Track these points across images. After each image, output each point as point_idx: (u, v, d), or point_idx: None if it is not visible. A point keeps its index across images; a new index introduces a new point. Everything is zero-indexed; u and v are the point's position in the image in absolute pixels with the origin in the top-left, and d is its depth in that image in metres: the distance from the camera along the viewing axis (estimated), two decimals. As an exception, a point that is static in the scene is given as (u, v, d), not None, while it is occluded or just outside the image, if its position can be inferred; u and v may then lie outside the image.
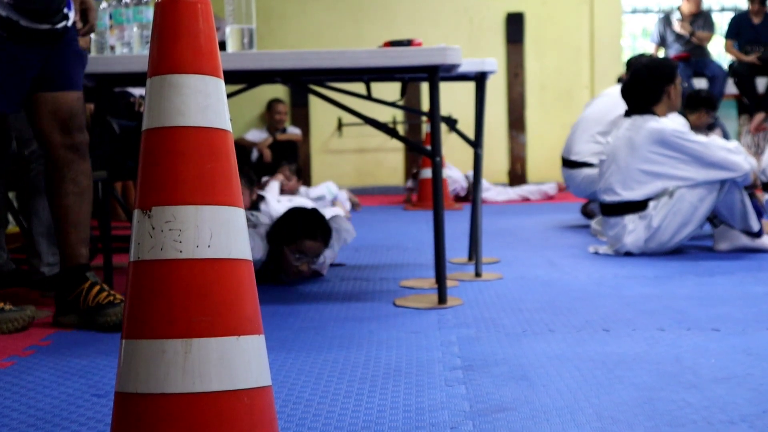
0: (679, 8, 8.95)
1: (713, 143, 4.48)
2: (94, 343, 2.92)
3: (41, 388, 2.41)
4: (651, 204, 4.52)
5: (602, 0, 9.62)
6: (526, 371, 2.45)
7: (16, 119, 3.77)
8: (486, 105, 4.22)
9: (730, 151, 4.47)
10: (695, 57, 8.81)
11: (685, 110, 5.81)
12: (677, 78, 4.68)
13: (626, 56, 10.02)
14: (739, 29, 8.86)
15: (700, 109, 6.01)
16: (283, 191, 6.18)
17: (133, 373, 1.55)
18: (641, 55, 6.06)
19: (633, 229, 4.52)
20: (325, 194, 6.55)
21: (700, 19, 8.86)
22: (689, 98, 6.50)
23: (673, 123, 4.62)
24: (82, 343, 2.92)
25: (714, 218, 4.63)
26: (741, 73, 8.82)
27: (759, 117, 8.21)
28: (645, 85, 4.64)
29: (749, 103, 8.84)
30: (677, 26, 8.76)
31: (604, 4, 9.63)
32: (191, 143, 1.58)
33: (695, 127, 5.84)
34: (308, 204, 5.28)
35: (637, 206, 4.54)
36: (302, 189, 6.65)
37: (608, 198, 4.63)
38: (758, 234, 4.55)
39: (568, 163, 5.92)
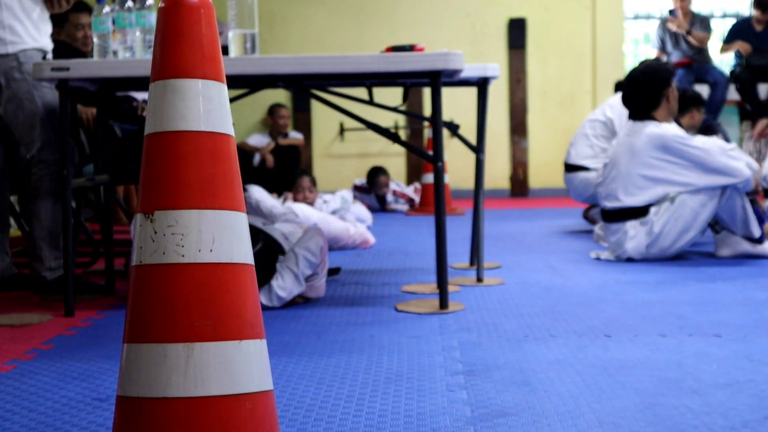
0: (672, 11, 8.94)
1: (714, 149, 4.48)
2: (95, 347, 2.92)
3: (42, 392, 2.41)
4: (652, 210, 4.52)
5: (604, 5, 9.62)
6: (528, 376, 2.45)
7: (17, 123, 3.77)
8: (488, 110, 4.22)
9: (732, 156, 4.47)
10: (696, 63, 8.80)
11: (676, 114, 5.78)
12: (673, 82, 4.70)
13: (628, 62, 10.03)
14: (740, 36, 8.84)
15: (690, 109, 5.99)
16: (304, 203, 6.07)
17: (134, 377, 1.55)
18: (645, 61, 6.07)
19: (634, 235, 4.52)
20: (340, 206, 6.49)
21: (697, 22, 8.85)
22: None
23: (675, 128, 4.63)
24: (84, 347, 2.92)
25: (715, 224, 4.63)
26: (743, 79, 8.81)
27: (762, 123, 8.20)
28: (643, 91, 4.66)
29: (751, 110, 8.83)
30: (672, 25, 8.74)
31: (606, 9, 9.63)
32: (194, 148, 1.58)
33: (690, 129, 5.84)
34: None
35: (638, 212, 4.54)
36: (318, 202, 6.52)
37: (609, 204, 4.63)
38: (759, 240, 4.55)
39: (568, 167, 5.95)
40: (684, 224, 4.47)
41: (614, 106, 5.87)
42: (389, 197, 8.11)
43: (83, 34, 4.96)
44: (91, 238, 4.82)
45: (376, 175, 8.10)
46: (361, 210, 6.68)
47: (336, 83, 3.87)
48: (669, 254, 4.54)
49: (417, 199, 8.09)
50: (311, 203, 6.13)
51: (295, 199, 6.13)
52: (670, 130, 4.56)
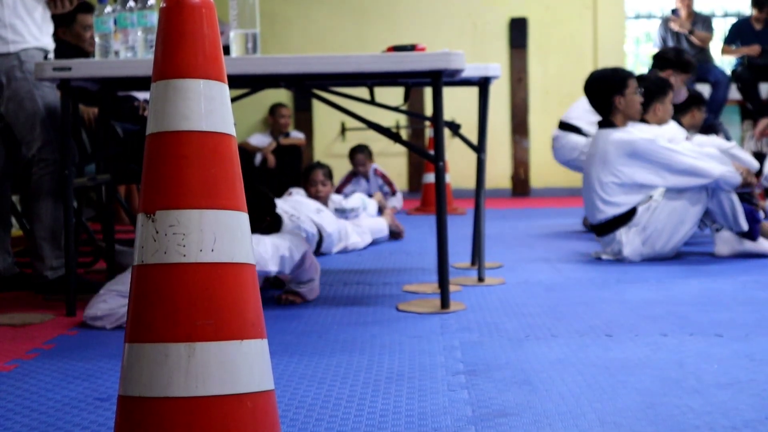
0: (674, 10, 8.94)
1: (682, 150, 4.47)
2: (97, 347, 2.92)
3: (44, 391, 2.41)
4: (639, 209, 4.51)
5: (606, 5, 9.62)
6: (529, 376, 2.45)
7: (18, 122, 3.78)
8: (489, 110, 4.22)
9: (696, 158, 4.44)
10: (698, 62, 8.79)
11: (677, 114, 5.77)
12: (628, 88, 4.64)
13: (630, 61, 10.02)
14: (740, 35, 8.84)
15: (691, 109, 5.98)
16: (317, 197, 6.02)
17: (136, 376, 1.55)
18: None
19: (627, 241, 4.51)
20: (359, 206, 6.46)
21: (699, 22, 8.85)
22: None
23: (641, 132, 4.59)
24: (86, 347, 2.92)
25: (713, 223, 4.62)
26: (744, 78, 8.80)
27: (763, 122, 8.19)
28: (597, 98, 4.67)
29: (753, 109, 8.82)
30: (675, 25, 8.73)
31: (607, 9, 9.62)
32: (195, 147, 1.58)
33: (691, 128, 5.83)
34: (330, 217, 5.22)
35: (625, 218, 4.53)
36: (334, 197, 6.46)
37: (595, 218, 4.61)
38: (750, 234, 4.51)
39: (562, 125, 5.95)
40: (678, 217, 4.47)
41: None
42: (372, 178, 8.04)
43: (91, 35, 4.96)
44: (92, 238, 4.82)
45: (355, 153, 8.07)
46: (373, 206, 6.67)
47: (337, 83, 3.87)
48: (667, 250, 4.53)
49: (395, 186, 8.12)
50: (324, 197, 6.09)
51: (308, 193, 6.08)
52: (636, 134, 4.54)
